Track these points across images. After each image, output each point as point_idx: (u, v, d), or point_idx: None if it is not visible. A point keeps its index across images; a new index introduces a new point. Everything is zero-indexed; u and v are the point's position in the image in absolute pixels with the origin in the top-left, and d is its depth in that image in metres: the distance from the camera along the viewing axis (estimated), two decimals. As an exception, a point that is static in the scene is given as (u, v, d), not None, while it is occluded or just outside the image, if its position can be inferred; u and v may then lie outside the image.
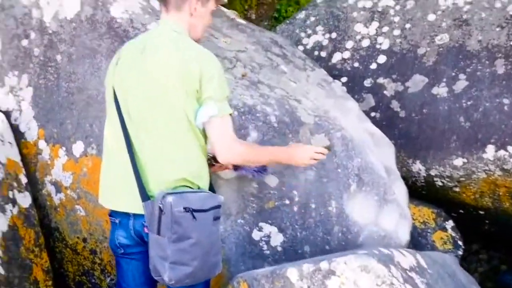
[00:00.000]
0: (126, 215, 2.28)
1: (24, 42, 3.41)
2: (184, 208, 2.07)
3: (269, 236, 2.83)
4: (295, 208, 2.83)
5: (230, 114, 2.24)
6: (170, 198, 2.07)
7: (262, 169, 2.65)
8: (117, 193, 2.31)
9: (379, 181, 2.92)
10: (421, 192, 4.13)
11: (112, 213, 2.37)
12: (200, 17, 2.37)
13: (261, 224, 2.81)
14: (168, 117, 2.18)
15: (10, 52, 3.49)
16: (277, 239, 2.82)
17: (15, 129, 3.44)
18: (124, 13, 3.06)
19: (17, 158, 3.24)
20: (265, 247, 2.83)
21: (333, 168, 2.89)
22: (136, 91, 2.22)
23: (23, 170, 3.26)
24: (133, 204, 2.22)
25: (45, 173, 3.32)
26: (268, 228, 2.82)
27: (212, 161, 2.46)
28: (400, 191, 3.12)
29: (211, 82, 2.16)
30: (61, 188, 3.24)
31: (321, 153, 2.46)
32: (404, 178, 4.03)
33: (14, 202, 3.02)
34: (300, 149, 2.46)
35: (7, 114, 3.48)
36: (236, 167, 2.61)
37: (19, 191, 3.12)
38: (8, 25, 3.49)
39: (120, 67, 2.30)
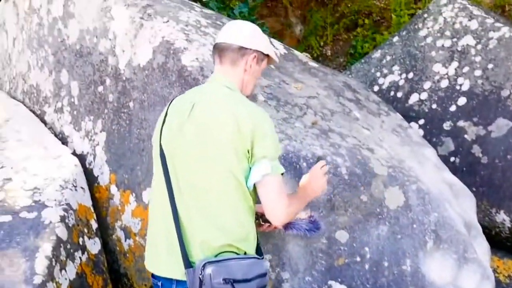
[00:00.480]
0: (169, 280, 2.18)
1: (100, 88, 3.49)
2: (224, 280, 1.98)
3: (339, 295, 2.71)
4: (367, 266, 2.70)
5: (282, 174, 2.15)
6: (209, 269, 1.99)
7: (315, 227, 2.51)
8: (160, 256, 2.21)
9: (459, 237, 2.75)
10: (505, 243, 3.88)
11: (155, 275, 2.27)
12: (253, 75, 2.35)
13: (330, 282, 2.69)
14: (215, 178, 2.10)
15: (86, 97, 3.58)
16: (348, 299, 2.70)
17: (89, 173, 3.50)
18: (195, 61, 3.06)
19: (88, 203, 3.29)
20: (334, 306, 2.70)
21: (408, 223, 2.75)
22: (183, 151, 2.15)
23: (94, 215, 3.30)
24: (176, 270, 2.12)
25: (116, 218, 3.34)
26: (337, 287, 2.70)
27: (260, 220, 2.36)
28: (482, 248, 2.93)
29: (263, 141, 2.09)
30: (130, 234, 3.24)
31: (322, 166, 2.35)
32: (487, 228, 3.82)
33: (83, 248, 3.05)
34: (309, 176, 2.34)
35: (82, 157, 3.56)
36: (286, 226, 2.48)
37: (89, 237, 3.15)
38: (86, 71, 3.59)
39: (168, 124, 2.24)
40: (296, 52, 3.93)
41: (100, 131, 3.47)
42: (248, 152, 2.09)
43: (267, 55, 2.40)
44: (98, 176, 3.46)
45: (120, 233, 3.32)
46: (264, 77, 3.26)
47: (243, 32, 2.32)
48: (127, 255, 3.29)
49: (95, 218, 3.31)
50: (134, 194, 3.24)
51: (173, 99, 2.37)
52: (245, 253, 2.11)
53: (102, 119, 3.46)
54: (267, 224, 2.40)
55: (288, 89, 3.28)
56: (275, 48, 3.70)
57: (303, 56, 3.93)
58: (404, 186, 2.84)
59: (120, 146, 3.34)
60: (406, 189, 2.83)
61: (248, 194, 2.14)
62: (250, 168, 2.11)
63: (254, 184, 2.12)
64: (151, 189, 2.39)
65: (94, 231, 3.23)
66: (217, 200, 2.11)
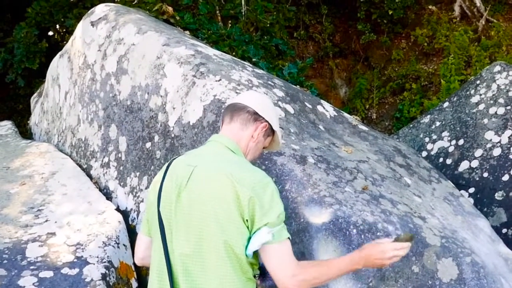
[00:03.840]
0: None
1: (148, 145, 3.49)
2: None
3: None
4: None
5: (288, 238, 2.03)
6: None
7: None
8: None
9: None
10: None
11: None
12: (257, 145, 2.29)
13: None
14: (210, 250, 2.00)
15: (134, 153, 3.58)
16: None
17: (131, 230, 3.46)
18: (245, 121, 3.03)
19: (130, 261, 3.23)
20: None
21: (462, 298, 2.60)
22: (180, 220, 2.06)
23: (134, 273, 3.23)
24: None
25: (156, 277, 3.27)
26: None
27: None
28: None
29: (264, 209, 1.99)
30: (171, 294, 3.16)
31: (401, 248, 2.10)
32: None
33: (123, 307, 2.98)
34: (376, 248, 2.10)
35: (126, 214, 3.53)
36: (262, 280, 2.32)
37: (129, 296, 3.09)
38: (135, 127, 3.61)
39: (166, 190, 2.14)
40: (346, 115, 3.89)
41: (146, 188, 3.45)
42: (247, 221, 1.99)
43: (272, 135, 2.34)
44: (141, 233, 3.42)
45: (160, 293, 3.24)
46: (314, 139, 3.21)
47: (261, 101, 2.32)
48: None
49: (136, 276, 3.25)
50: (176, 253, 3.17)
51: (172, 160, 2.26)
52: None
53: (148, 176, 3.44)
54: None
55: (338, 152, 3.22)
56: (325, 110, 3.67)
57: (353, 119, 3.88)
58: (457, 258, 2.70)
59: (165, 203, 3.30)
60: (460, 261, 2.69)
61: (246, 266, 2.03)
62: (250, 237, 2.01)
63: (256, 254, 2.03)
64: (143, 236, 2.28)
65: (134, 289, 3.17)
66: (213, 278, 2.00)
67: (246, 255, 2.01)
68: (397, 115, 7.63)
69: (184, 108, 3.30)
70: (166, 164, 2.23)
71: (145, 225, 2.26)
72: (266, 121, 2.27)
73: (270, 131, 2.32)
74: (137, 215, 3.46)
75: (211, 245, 2.00)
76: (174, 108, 3.36)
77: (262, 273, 2.25)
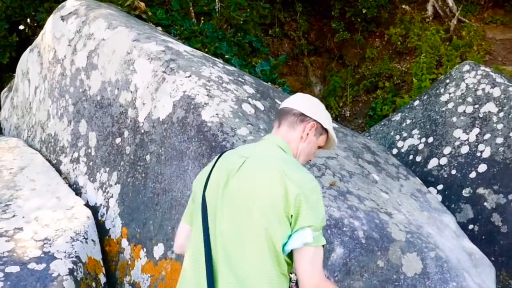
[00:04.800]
0: None
1: (118, 140, 3.48)
2: None
3: None
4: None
5: (323, 246, 2.06)
6: None
7: None
8: None
9: (478, 310, 2.64)
10: (525, 318, 3.74)
11: None
12: (309, 145, 2.29)
13: None
14: (251, 239, 2.02)
15: (103, 148, 3.57)
16: None
17: (100, 226, 3.45)
18: (215, 117, 3.05)
19: (98, 256, 3.22)
20: None
21: (425, 292, 2.65)
22: (225, 207, 2.09)
23: (103, 269, 3.23)
24: None
25: (125, 273, 3.27)
26: None
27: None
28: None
29: (310, 211, 2.01)
30: (139, 290, 3.17)
31: None
32: (507, 301, 3.68)
33: (90, 303, 2.97)
34: None
35: (95, 209, 3.52)
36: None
37: (97, 291, 3.08)
38: (105, 122, 3.59)
39: (215, 177, 2.17)
40: (316, 112, 3.91)
41: (115, 183, 3.44)
42: (291, 217, 2.01)
43: (326, 133, 2.36)
44: (109, 229, 3.42)
45: (128, 289, 3.24)
46: (283, 136, 3.23)
47: (307, 102, 2.33)
48: (135, 311, 3.21)
49: (104, 272, 3.24)
50: (145, 249, 3.18)
51: (223, 152, 2.31)
52: None
53: (118, 171, 3.44)
54: None
55: (306, 148, 3.24)
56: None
57: (323, 116, 3.90)
58: (422, 253, 2.75)
59: (134, 199, 3.30)
60: (424, 256, 2.74)
61: (282, 260, 2.04)
62: (290, 235, 2.03)
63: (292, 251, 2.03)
64: (184, 225, 2.31)
65: (102, 285, 3.16)
66: (254, 266, 2.01)
67: (283, 250, 2.02)
68: (370, 113, 7.69)
69: (154, 104, 3.30)
70: (216, 157, 2.26)
71: (188, 214, 2.29)
72: (314, 120, 2.28)
73: (322, 130, 2.32)
74: (107, 210, 3.45)
75: (253, 232, 2.02)
76: (144, 104, 3.36)
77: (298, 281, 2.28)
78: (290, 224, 2.01)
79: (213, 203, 2.11)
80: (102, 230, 3.45)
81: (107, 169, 3.51)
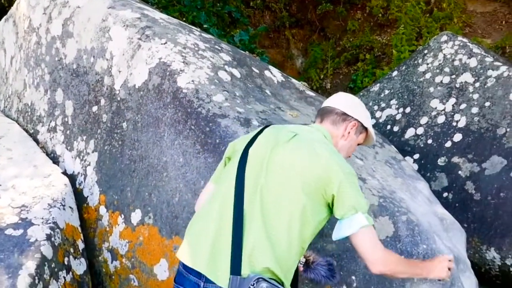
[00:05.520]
0: (196, 286, 2.11)
1: (94, 108, 3.48)
2: None
3: (323, 324, 2.65)
4: (353, 296, 2.65)
5: (373, 225, 2.18)
6: (264, 284, 1.96)
7: (331, 275, 2.50)
8: (200, 251, 2.13)
9: (447, 271, 2.70)
10: (495, 281, 3.83)
11: (179, 280, 2.20)
12: (349, 143, 2.44)
13: (315, 310, 2.65)
14: (290, 205, 2.10)
15: (80, 117, 3.57)
16: (332, 328, 2.64)
17: (78, 193, 3.47)
18: (190, 84, 3.06)
19: (76, 223, 3.24)
20: (319, 336, 2.65)
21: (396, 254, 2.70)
22: (270, 168, 2.16)
23: (81, 235, 3.25)
24: (213, 270, 2.06)
25: (103, 239, 3.30)
26: (323, 315, 2.65)
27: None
28: (469, 283, 2.87)
29: (355, 195, 2.13)
30: (117, 256, 3.20)
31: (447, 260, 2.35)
32: (477, 265, 3.77)
33: (68, 268, 3.00)
34: (437, 262, 2.33)
35: (73, 178, 3.53)
36: (305, 270, 2.47)
37: (75, 258, 3.10)
38: (81, 91, 3.59)
39: (264, 138, 2.26)
40: (294, 81, 3.94)
41: (92, 151, 3.45)
42: (332, 198, 2.12)
43: (366, 131, 2.49)
44: (87, 196, 3.43)
45: (106, 255, 3.27)
46: (260, 103, 3.26)
47: (349, 102, 2.47)
48: (113, 277, 3.24)
49: (82, 238, 3.27)
50: (123, 216, 3.20)
51: (269, 125, 2.42)
52: (282, 284, 2.09)
53: (95, 139, 3.44)
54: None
55: (283, 116, 3.27)
56: (273, 75, 3.71)
57: (301, 85, 3.93)
58: (394, 216, 2.80)
59: (111, 166, 3.31)
60: (396, 219, 2.79)
61: (307, 236, 2.15)
62: (327, 215, 2.18)
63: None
64: (209, 185, 2.39)
65: (81, 251, 3.19)
66: (283, 226, 2.09)
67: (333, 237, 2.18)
68: (351, 85, 7.72)
69: (129, 71, 3.30)
70: (261, 128, 2.37)
71: (217, 175, 2.39)
72: (356, 119, 2.41)
73: (362, 128, 2.47)
74: (84, 178, 3.47)
75: (291, 202, 2.10)
76: (119, 72, 3.36)
77: (306, 264, 2.36)
78: (329, 204, 2.16)
79: (258, 159, 2.19)
80: (80, 198, 3.46)
81: (84, 137, 3.52)
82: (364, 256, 2.15)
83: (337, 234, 2.17)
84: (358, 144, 2.52)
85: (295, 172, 2.13)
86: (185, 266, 2.18)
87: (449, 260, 2.36)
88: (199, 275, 2.10)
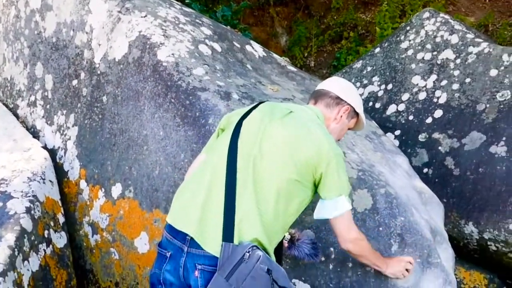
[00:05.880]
0: (180, 250, 2.13)
1: (74, 82, 3.46)
2: (268, 270, 1.99)
3: (301, 294, 2.68)
4: (331, 266, 2.68)
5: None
6: (260, 252, 2.00)
7: (314, 254, 2.54)
8: (190, 217, 2.13)
9: (423, 242, 2.73)
10: (473, 255, 3.88)
11: (164, 244, 2.22)
12: (341, 127, 2.49)
13: (294, 280, 2.67)
14: (280, 184, 2.13)
15: (60, 91, 3.55)
16: (310, 298, 2.67)
17: (59, 168, 3.46)
18: (170, 57, 3.05)
19: (56, 197, 3.24)
20: (297, 305, 2.68)
21: (374, 226, 2.73)
22: (265, 141, 2.19)
23: (61, 209, 3.25)
24: (201, 235, 2.07)
25: (84, 213, 3.30)
26: (301, 286, 2.67)
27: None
28: (446, 254, 2.91)
29: (341, 177, 2.21)
30: (98, 229, 3.21)
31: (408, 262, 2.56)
32: (455, 239, 3.81)
33: (48, 241, 3.00)
34: (396, 261, 2.55)
35: (53, 152, 3.52)
36: (289, 247, 2.51)
37: (55, 231, 3.11)
38: (61, 65, 3.56)
39: (260, 112, 2.30)
40: (275, 56, 3.93)
41: (72, 126, 3.43)
42: (319, 175, 2.19)
43: (357, 117, 2.55)
44: (68, 171, 3.43)
45: (87, 229, 3.27)
46: (240, 77, 3.25)
47: (343, 86, 2.53)
48: (94, 251, 3.25)
49: (63, 212, 3.27)
50: (103, 189, 3.20)
51: (262, 101, 2.46)
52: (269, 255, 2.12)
53: (75, 113, 3.43)
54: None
55: (263, 90, 3.27)
56: (254, 50, 3.71)
57: (282, 60, 3.93)
58: (372, 189, 2.83)
59: (92, 140, 3.31)
60: (374, 192, 2.82)
61: (294, 212, 2.21)
62: (312, 192, 2.25)
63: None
64: (200, 156, 2.40)
65: (61, 225, 3.19)
66: (272, 198, 2.12)
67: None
68: (335, 63, 7.71)
69: (109, 44, 3.28)
70: (256, 103, 2.42)
71: (209, 146, 2.43)
72: (349, 104, 2.47)
73: (354, 114, 2.53)
74: (65, 153, 3.46)
75: (280, 176, 2.14)
76: (99, 45, 3.33)
77: (291, 241, 2.40)
78: (315, 182, 2.22)
79: (252, 132, 2.23)
80: (60, 172, 3.46)
81: (64, 111, 3.50)
82: (339, 234, 2.28)
83: (320, 213, 2.25)
84: (349, 129, 2.58)
85: (287, 147, 2.16)
86: (170, 231, 2.19)
87: (409, 262, 2.56)
88: (184, 239, 2.11)
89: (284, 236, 2.40)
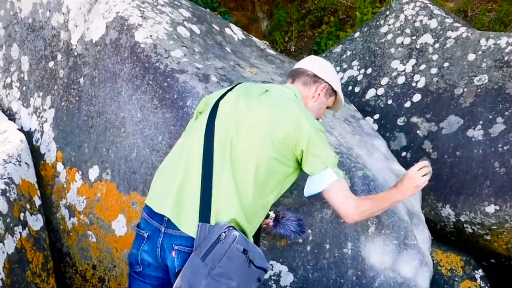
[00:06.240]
0: (158, 231, 2.14)
1: (51, 64, 3.41)
2: (244, 250, 1.99)
3: (279, 276, 2.69)
4: (308, 248, 2.69)
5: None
6: (236, 233, 2.00)
7: (300, 231, 2.55)
8: (167, 199, 2.14)
9: (400, 224, 2.76)
10: (450, 238, 3.93)
11: (142, 225, 2.23)
12: (319, 105, 2.49)
13: (271, 262, 2.68)
14: (258, 162, 2.13)
15: (37, 73, 3.50)
16: (287, 279, 2.68)
17: (35, 151, 3.42)
18: (148, 38, 3.02)
19: (32, 179, 3.21)
20: (274, 286, 2.69)
21: (351, 208, 2.75)
22: (242, 121, 2.19)
23: (38, 192, 3.22)
24: (177, 216, 2.08)
25: (61, 196, 3.27)
26: (278, 267, 2.69)
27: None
28: (423, 236, 2.94)
29: (323, 150, 2.19)
30: (75, 212, 3.18)
31: (424, 167, 2.40)
32: (433, 222, 3.85)
33: (24, 224, 2.97)
34: (407, 177, 2.41)
35: (29, 134, 3.48)
36: (275, 225, 2.52)
37: (31, 214, 3.07)
38: (37, 46, 3.51)
39: (236, 94, 2.29)
40: (255, 39, 3.91)
41: (49, 108, 3.39)
42: (300, 152, 2.18)
43: (335, 95, 2.55)
44: (44, 153, 3.39)
45: (64, 212, 3.25)
46: (219, 59, 3.24)
47: (320, 65, 2.52)
48: (71, 234, 3.23)
49: (39, 195, 3.24)
50: (80, 172, 3.18)
51: (239, 82, 2.46)
52: (246, 235, 2.11)
53: (52, 96, 3.39)
54: (266, 221, 2.51)
55: (242, 72, 3.26)
56: (233, 33, 3.68)
57: (261, 43, 3.91)
58: (350, 172, 2.84)
59: (69, 123, 3.27)
60: (352, 175, 2.83)
61: (275, 191, 2.20)
62: (294, 170, 2.23)
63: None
64: (180, 140, 2.42)
65: (37, 207, 3.16)
66: (250, 177, 2.11)
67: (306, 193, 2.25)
68: (315, 47, 7.71)
69: (86, 25, 3.24)
70: (234, 85, 2.42)
71: (188, 127, 2.44)
72: (326, 82, 2.47)
73: (332, 92, 2.53)
74: (41, 135, 3.42)
75: (259, 156, 2.13)
76: (76, 26, 3.29)
77: (276, 219, 2.40)
78: (297, 160, 2.21)
79: (229, 112, 2.23)
80: (37, 155, 3.42)
81: (41, 93, 3.46)
82: (337, 210, 2.23)
83: (309, 190, 2.24)
84: (327, 108, 2.58)
85: (264, 125, 2.16)
86: (149, 212, 2.20)
87: (421, 168, 2.39)
88: (161, 220, 2.12)
89: (269, 215, 2.41)
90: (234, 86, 2.38)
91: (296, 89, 2.43)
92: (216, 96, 2.35)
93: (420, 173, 2.39)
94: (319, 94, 2.46)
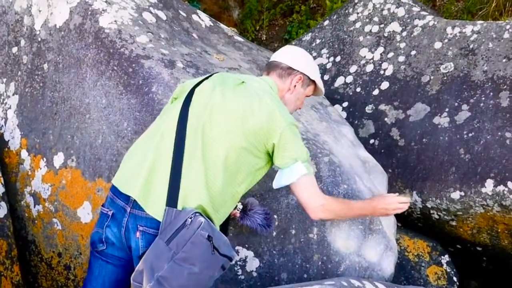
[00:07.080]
0: (123, 210, 2.14)
1: (14, 49, 3.36)
2: (209, 237, 1.98)
3: (245, 261, 2.70)
4: (274, 233, 2.71)
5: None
6: (202, 219, 2.00)
7: (267, 224, 2.56)
8: (136, 180, 2.13)
9: (365, 210, 2.78)
10: (417, 224, 3.98)
11: (106, 204, 2.23)
12: (296, 96, 2.49)
13: (237, 247, 2.69)
14: (228, 152, 2.13)
15: (0, 59, 3.44)
16: (253, 264, 2.69)
17: (-1, 138, 3.37)
18: (113, 24, 2.99)
19: (-5, 165, 3.17)
20: (240, 271, 2.70)
21: (317, 193, 2.76)
22: (216, 110, 2.19)
23: (1, 179, 3.17)
24: (144, 198, 2.08)
25: (25, 183, 3.23)
26: (244, 252, 2.70)
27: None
28: (388, 222, 2.98)
29: (295, 144, 2.19)
30: (40, 200, 3.14)
31: (404, 202, 2.41)
32: (400, 208, 3.89)
33: (-13, 211, 2.93)
34: (382, 200, 2.41)
35: (-7, 121, 3.42)
36: (242, 217, 2.52)
37: (-5, 201, 3.04)
38: (0, 31, 3.45)
39: (212, 83, 2.29)
40: (222, 26, 3.90)
41: (13, 94, 3.34)
42: (272, 146, 2.18)
43: (314, 84, 2.54)
44: (8, 140, 3.34)
45: (29, 199, 3.21)
46: (186, 46, 3.22)
47: (294, 55, 2.51)
48: (36, 221, 3.19)
49: (3, 182, 3.19)
50: (45, 159, 3.14)
51: (215, 72, 2.47)
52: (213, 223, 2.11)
53: (15, 82, 3.33)
54: (233, 212, 2.51)
55: (209, 59, 3.25)
56: (201, 19, 3.66)
57: (229, 30, 3.90)
58: (316, 158, 2.86)
59: (33, 109, 3.23)
60: (318, 161, 2.85)
61: (245, 182, 2.20)
62: (266, 163, 2.24)
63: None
64: (152, 125, 2.38)
65: (1, 195, 3.11)
66: (220, 166, 2.11)
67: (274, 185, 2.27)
68: (286, 36, 7.70)
69: (50, 10, 3.19)
70: (209, 74, 2.41)
71: (162, 111, 2.42)
72: (301, 73, 2.46)
73: (309, 81, 2.52)
74: (5, 122, 3.36)
75: (231, 145, 2.13)
76: (40, 11, 3.24)
77: (244, 210, 2.39)
78: (269, 153, 2.21)
79: (203, 100, 2.23)
80: (1, 142, 3.37)
81: (4, 79, 3.40)
82: (304, 205, 2.24)
83: (278, 182, 2.25)
84: (307, 96, 2.58)
85: (238, 116, 2.17)
86: (115, 191, 2.20)
87: (401, 202, 2.40)
88: (127, 200, 2.13)
89: (236, 206, 2.41)
90: (211, 75, 2.39)
91: (272, 81, 2.43)
92: (193, 83, 2.35)
93: (398, 206, 2.40)
94: (295, 86, 2.47)
